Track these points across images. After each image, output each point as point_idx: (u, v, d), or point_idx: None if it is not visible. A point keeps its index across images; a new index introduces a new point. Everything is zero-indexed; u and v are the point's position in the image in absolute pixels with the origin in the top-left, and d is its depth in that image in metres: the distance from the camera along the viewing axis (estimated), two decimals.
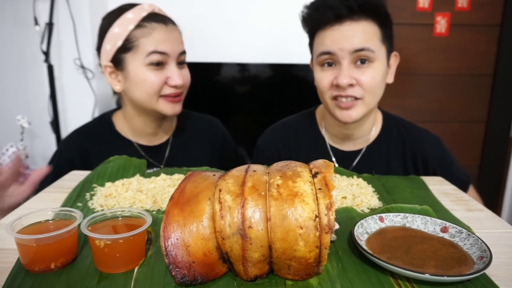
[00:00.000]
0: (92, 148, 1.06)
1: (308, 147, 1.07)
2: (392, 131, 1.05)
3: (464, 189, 0.98)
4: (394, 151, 1.04)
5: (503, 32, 2.10)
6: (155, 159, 1.10)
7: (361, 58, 0.90)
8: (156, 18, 0.99)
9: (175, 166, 1.07)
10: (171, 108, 1.02)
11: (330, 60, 0.92)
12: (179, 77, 0.99)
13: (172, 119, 1.15)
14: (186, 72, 1.05)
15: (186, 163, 1.08)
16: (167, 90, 1.00)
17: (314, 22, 0.94)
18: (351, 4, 0.87)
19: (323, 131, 1.07)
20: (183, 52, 1.04)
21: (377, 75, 0.91)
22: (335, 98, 0.93)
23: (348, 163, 1.03)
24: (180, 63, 1.03)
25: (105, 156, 0.99)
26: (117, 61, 1.00)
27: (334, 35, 0.90)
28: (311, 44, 0.99)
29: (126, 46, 0.98)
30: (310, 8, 0.95)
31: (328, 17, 0.90)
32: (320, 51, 0.92)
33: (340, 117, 0.94)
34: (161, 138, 1.13)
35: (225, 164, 1.15)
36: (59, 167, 1.03)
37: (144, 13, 0.99)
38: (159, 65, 0.98)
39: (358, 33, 0.89)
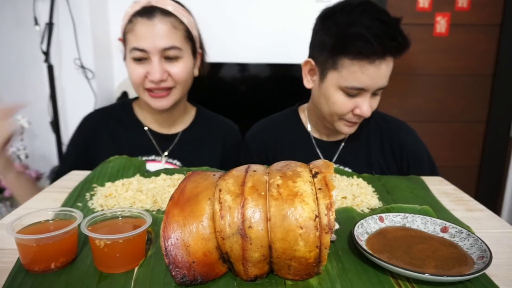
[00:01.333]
0: (107, 127, 1.12)
1: (292, 137, 1.11)
2: (370, 122, 1.09)
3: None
4: (373, 140, 1.09)
5: (503, 32, 2.10)
6: (161, 148, 1.12)
7: (376, 93, 0.96)
8: (143, 12, 0.99)
9: (178, 159, 1.10)
10: (155, 103, 1.03)
11: (357, 92, 0.93)
12: (158, 72, 0.98)
13: (183, 111, 1.16)
14: (177, 67, 1.01)
15: (190, 159, 1.11)
16: (149, 84, 1.01)
17: (358, 47, 0.88)
18: (399, 43, 0.89)
19: (306, 124, 1.13)
20: (171, 47, 0.99)
21: (378, 99, 1.00)
22: (344, 119, 0.99)
23: (332, 152, 1.08)
24: (171, 58, 1.00)
25: (117, 136, 1.10)
26: (124, 52, 1.06)
27: (373, 72, 0.90)
28: (332, 62, 0.93)
29: (124, 39, 1.04)
30: (352, 26, 0.88)
31: (376, 50, 0.87)
32: (354, 85, 0.91)
33: (344, 131, 1.00)
34: (173, 129, 1.15)
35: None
36: (77, 139, 1.12)
37: (137, 7, 1.00)
38: (142, 60, 0.99)
39: (388, 72, 0.94)
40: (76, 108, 1.86)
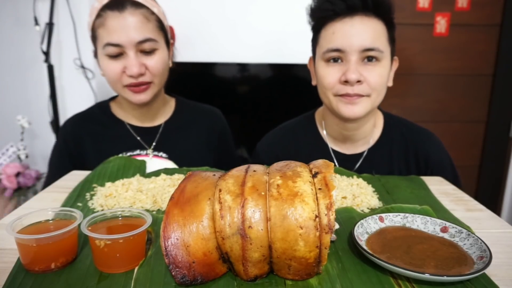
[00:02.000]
0: (86, 129, 1.09)
1: (308, 150, 1.05)
2: (393, 132, 1.04)
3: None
4: (396, 152, 1.02)
5: (503, 32, 2.10)
6: (145, 141, 1.11)
7: (369, 56, 0.89)
8: (112, 5, 0.96)
9: (164, 151, 1.09)
10: (135, 97, 1.00)
11: (336, 56, 0.90)
12: (135, 66, 0.95)
13: (163, 104, 1.14)
14: (153, 59, 0.99)
15: (176, 149, 1.09)
16: (127, 80, 0.98)
17: (325, 12, 0.91)
18: None
19: (323, 134, 1.06)
20: (146, 40, 0.96)
21: (384, 74, 0.91)
22: (341, 95, 0.92)
23: (350, 165, 1.02)
24: (147, 51, 0.98)
25: (98, 136, 1.08)
26: (94, 49, 1.03)
27: (344, 29, 0.88)
28: (314, 40, 0.96)
29: (93, 36, 1.01)
30: (317, 1, 0.93)
31: (340, 7, 0.88)
32: (328, 47, 0.89)
33: (344, 112, 0.92)
34: (154, 121, 1.14)
35: (219, 159, 1.17)
36: (59, 148, 1.10)
37: (105, 1, 0.96)
38: (118, 55, 0.97)
39: (369, 30, 0.88)
40: (76, 108, 1.85)
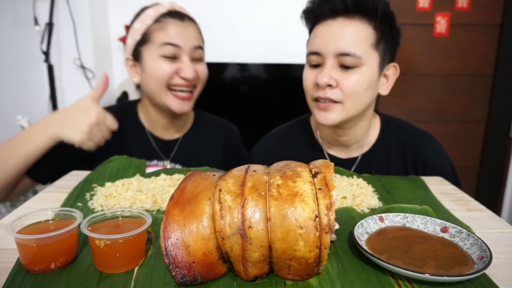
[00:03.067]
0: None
1: (304, 155, 1.04)
2: (391, 135, 1.02)
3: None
4: (394, 157, 1.01)
5: (503, 32, 2.10)
6: (164, 153, 1.12)
7: (345, 65, 0.86)
8: (173, 14, 1.03)
9: (180, 163, 1.10)
10: (179, 105, 1.03)
11: (316, 62, 0.90)
12: (190, 70, 1.01)
13: (186, 117, 1.16)
14: (201, 68, 1.07)
15: (192, 162, 1.10)
16: (177, 80, 1.02)
17: (311, 16, 0.93)
18: (347, 0, 0.86)
19: (318, 138, 1.05)
20: (199, 47, 1.05)
21: (362, 81, 0.87)
22: (315, 99, 0.92)
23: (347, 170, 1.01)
24: (196, 59, 1.05)
25: (120, 138, 1.07)
26: (136, 54, 1.05)
27: (323, 31, 0.89)
28: (308, 43, 0.97)
29: (143, 39, 1.03)
30: (310, 2, 0.94)
31: (323, 11, 0.89)
32: (309, 50, 0.92)
33: (318, 118, 0.92)
34: (174, 134, 1.15)
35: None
36: None
37: (163, 10, 1.03)
38: (172, 58, 1.01)
39: (348, 34, 0.86)
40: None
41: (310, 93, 0.93)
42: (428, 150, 1.01)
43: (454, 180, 0.98)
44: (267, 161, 1.03)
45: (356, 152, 1.02)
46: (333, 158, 1.03)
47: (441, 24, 2.09)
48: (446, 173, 0.99)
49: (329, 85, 0.87)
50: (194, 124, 1.18)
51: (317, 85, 0.89)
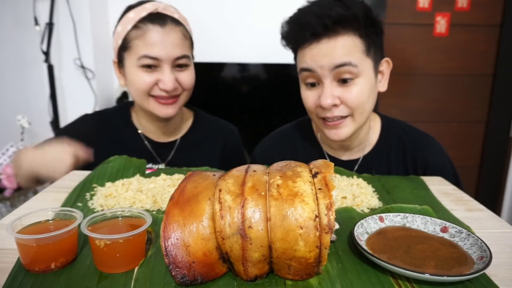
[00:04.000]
0: (104, 132, 1.09)
1: (305, 156, 1.04)
2: (391, 137, 1.02)
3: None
4: (394, 158, 1.01)
5: (503, 32, 2.10)
6: (160, 156, 1.10)
7: (343, 78, 0.86)
8: (153, 18, 0.96)
9: (177, 167, 1.07)
10: (162, 110, 1.00)
11: (312, 79, 0.88)
12: (171, 82, 0.96)
13: (181, 119, 1.14)
14: (185, 75, 1.01)
15: (192, 165, 1.06)
16: (157, 92, 0.98)
17: (292, 41, 0.92)
18: (325, 21, 0.83)
19: (319, 140, 1.05)
20: (183, 56, 0.99)
21: (364, 90, 0.87)
22: (323, 118, 0.91)
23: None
24: (181, 66, 1.00)
25: (115, 143, 1.06)
26: (120, 58, 1.02)
27: (312, 53, 0.86)
28: (295, 59, 0.96)
29: (124, 46, 0.99)
30: (287, 26, 0.92)
31: (304, 36, 0.86)
32: (301, 67, 0.89)
33: (329, 135, 0.92)
34: (170, 137, 1.13)
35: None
36: (78, 126, 1.09)
37: (144, 13, 0.97)
38: (152, 67, 0.97)
39: (338, 49, 0.84)
40: (76, 108, 1.86)
41: (314, 112, 0.92)
42: (428, 151, 1.01)
43: (455, 181, 0.98)
44: (268, 162, 1.04)
45: (357, 153, 1.02)
46: (334, 160, 1.03)
47: (441, 24, 2.09)
48: (447, 174, 0.99)
49: (334, 105, 0.87)
50: (192, 126, 1.16)
51: (320, 107, 0.88)
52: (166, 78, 0.96)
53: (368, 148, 1.02)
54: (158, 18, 0.97)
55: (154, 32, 0.95)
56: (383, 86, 0.96)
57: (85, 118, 1.12)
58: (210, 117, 1.21)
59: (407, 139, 1.02)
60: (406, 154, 1.01)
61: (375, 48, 0.90)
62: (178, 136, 1.13)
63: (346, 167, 0.99)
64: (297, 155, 1.05)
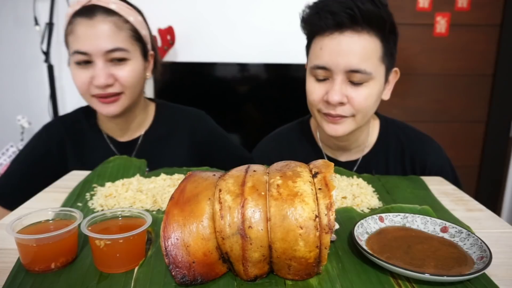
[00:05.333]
0: (69, 136, 1.06)
1: (303, 158, 1.04)
2: (390, 138, 1.02)
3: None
4: (393, 159, 1.01)
5: (503, 32, 2.10)
6: (123, 154, 1.05)
7: (355, 81, 0.85)
8: (83, 12, 0.92)
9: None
10: (104, 109, 0.96)
11: (323, 75, 0.87)
12: (102, 77, 0.91)
13: (143, 114, 1.09)
14: (123, 70, 0.94)
15: (159, 161, 1.03)
16: (94, 90, 0.93)
17: (314, 25, 0.88)
18: (354, 13, 0.81)
19: (318, 141, 1.05)
20: (117, 49, 0.92)
21: (372, 95, 0.87)
22: (321, 112, 0.91)
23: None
24: (117, 60, 0.93)
25: (80, 146, 1.04)
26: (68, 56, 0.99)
27: (331, 46, 0.84)
28: (308, 47, 0.94)
29: (65, 43, 0.97)
30: (311, 9, 0.88)
31: (328, 23, 0.84)
32: (315, 63, 0.87)
33: (327, 130, 0.91)
34: (133, 134, 1.09)
35: (214, 162, 1.09)
36: (36, 149, 1.04)
37: (77, 7, 0.93)
38: (87, 63, 0.92)
39: (358, 49, 0.83)
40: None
41: (317, 107, 0.91)
42: (427, 152, 1.00)
43: (455, 182, 0.98)
44: (267, 162, 1.03)
45: (356, 154, 1.02)
46: (332, 161, 1.02)
47: (441, 24, 2.09)
48: (446, 175, 0.99)
49: (340, 103, 0.86)
50: (154, 120, 1.11)
51: (326, 102, 0.87)
52: (98, 73, 0.91)
53: (366, 149, 1.02)
54: (86, 11, 0.92)
55: (82, 25, 0.91)
56: (386, 95, 0.96)
57: (51, 128, 1.07)
58: (174, 107, 1.15)
59: (406, 140, 1.02)
60: (404, 155, 1.01)
61: (391, 56, 0.90)
62: (140, 132, 1.09)
63: (345, 168, 0.99)
64: (295, 157, 1.02)
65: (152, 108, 1.13)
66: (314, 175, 0.51)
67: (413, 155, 1.00)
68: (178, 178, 0.87)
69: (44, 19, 1.76)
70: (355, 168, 1.01)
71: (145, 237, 0.58)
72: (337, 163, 1.02)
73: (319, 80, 0.89)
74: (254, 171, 0.53)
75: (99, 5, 0.93)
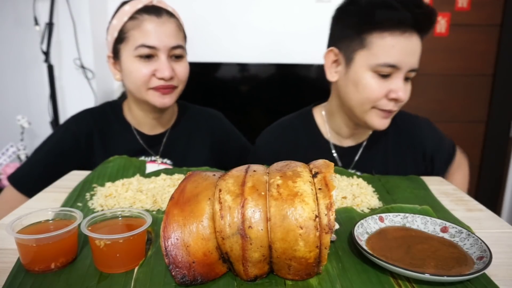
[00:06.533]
0: (97, 128, 1.09)
1: (307, 144, 1.05)
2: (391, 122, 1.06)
3: (452, 156, 1.07)
4: (391, 142, 1.05)
5: (503, 32, 2.10)
6: (152, 149, 1.11)
7: (408, 77, 0.91)
8: (149, 10, 0.99)
9: (169, 158, 1.10)
10: (160, 100, 1.02)
11: (387, 72, 0.88)
12: (167, 70, 0.98)
13: (172, 111, 1.15)
14: (181, 66, 1.03)
15: (181, 156, 1.10)
16: (156, 82, 1.00)
17: (388, 19, 0.86)
18: (427, 16, 0.86)
19: (322, 129, 1.06)
20: (178, 46, 1.01)
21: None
22: (380, 109, 0.93)
23: (350, 158, 1.03)
24: (177, 57, 1.02)
25: (107, 136, 1.08)
26: (115, 52, 1.03)
27: (403, 45, 0.86)
28: (358, 40, 0.90)
29: (120, 37, 1.01)
30: (378, 8, 0.87)
31: (406, 19, 0.85)
32: (385, 61, 0.86)
33: (376, 124, 0.94)
34: (160, 129, 1.14)
35: (230, 161, 1.17)
36: (64, 140, 1.06)
37: (140, 5, 1.00)
38: (149, 57, 0.99)
39: (418, 50, 0.89)
40: (76, 108, 1.84)
41: (375, 102, 0.91)
42: (422, 135, 1.06)
43: (447, 143, 1.06)
44: (271, 151, 1.06)
45: (357, 140, 1.05)
46: (335, 147, 1.05)
47: (441, 24, 2.09)
48: (440, 144, 1.06)
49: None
50: (178, 117, 1.17)
51: (392, 99, 0.90)
52: (163, 66, 0.98)
53: (367, 134, 1.06)
54: (153, 10, 1.00)
55: (151, 22, 0.98)
56: None
57: (80, 120, 1.10)
58: (194, 107, 1.22)
59: (401, 123, 1.06)
60: (401, 137, 1.05)
61: None
62: (166, 128, 1.15)
63: (348, 153, 1.03)
64: (299, 144, 1.06)
65: (175, 107, 1.19)
66: (314, 175, 0.51)
67: (410, 140, 1.05)
68: (178, 178, 0.87)
69: (44, 19, 1.76)
70: (359, 153, 1.04)
71: (145, 237, 0.58)
72: (340, 149, 1.05)
73: (381, 77, 0.89)
74: (254, 171, 0.53)
75: (161, 6, 1.02)
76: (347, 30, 0.92)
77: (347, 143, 1.05)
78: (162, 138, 1.13)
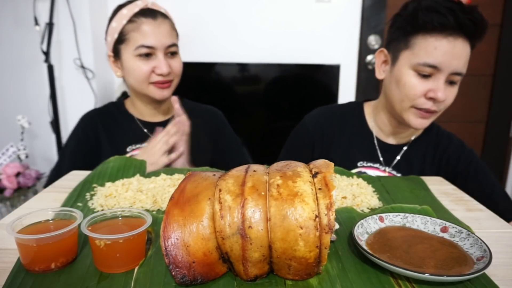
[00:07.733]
0: (103, 123, 1.21)
1: (352, 130, 1.10)
2: (432, 133, 1.10)
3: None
4: (430, 152, 1.07)
5: (503, 32, 2.10)
6: (154, 134, 1.18)
7: (453, 80, 0.93)
8: (146, 13, 1.12)
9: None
10: (160, 93, 1.16)
11: (429, 72, 0.91)
12: (165, 66, 1.11)
13: (169, 101, 1.24)
14: (176, 61, 1.17)
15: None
16: (155, 78, 1.13)
17: (432, 22, 0.89)
18: (474, 23, 0.87)
19: (370, 123, 1.11)
20: (173, 45, 1.15)
21: (456, 94, 0.97)
22: (418, 108, 0.95)
23: (390, 156, 1.07)
24: (172, 53, 1.16)
25: (113, 130, 1.20)
26: (116, 51, 1.16)
27: (446, 48, 0.89)
28: (404, 42, 0.95)
29: (121, 39, 1.13)
30: (431, 4, 0.90)
31: (449, 23, 0.87)
32: (427, 61, 0.90)
33: (414, 124, 0.97)
34: (161, 117, 1.27)
35: (220, 156, 1.28)
36: (75, 139, 1.19)
37: (136, 9, 1.12)
38: (148, 56, 1.12)
39: (464, 55, 0.91)
40: (76, 108, 1.86)
41: (414, 101, 0.95)
42: (457, 155, 1.07)
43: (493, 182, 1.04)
44: (318, 128, 1.11)
45: (402, 140, 1.08)
46: (379, 142, 1.08)
47: None
48: (482, 174, 1.05)
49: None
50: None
51: (430, 98, 0.93)
52: (161, 64, 1.12)
53: (412, 137, 1.08)
54: (149, 12, 1.13)
55: (148, 24, 1.11)
56: None
57: (88, 118, 1.22)
58: (192, 102, 1.33)
59: (443, 139, 1.09)
60: (437, 152, 1.08)
61: None
62: (168, 116, 1.28)
63: (390, 150, 1.06)
64: (346, 129, 1.10)
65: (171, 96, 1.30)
66: (314, 175, 0.51)
67: (444, 155, 1.07)
68: (178, 178, 0.87)
69: (44, 19, 1.76)
70: (401, 153, 1.07)
71: (145, 237, 0.58)
72: (384, 145, 1.08)
73: (422, 76, 0.92)
74: (254, 171, 0.53)
75: (156, 9, 1.15)
76: (396, 33, 0.97)
77: (389, 141, 1.09)
78: (163, 125, 1.20)
